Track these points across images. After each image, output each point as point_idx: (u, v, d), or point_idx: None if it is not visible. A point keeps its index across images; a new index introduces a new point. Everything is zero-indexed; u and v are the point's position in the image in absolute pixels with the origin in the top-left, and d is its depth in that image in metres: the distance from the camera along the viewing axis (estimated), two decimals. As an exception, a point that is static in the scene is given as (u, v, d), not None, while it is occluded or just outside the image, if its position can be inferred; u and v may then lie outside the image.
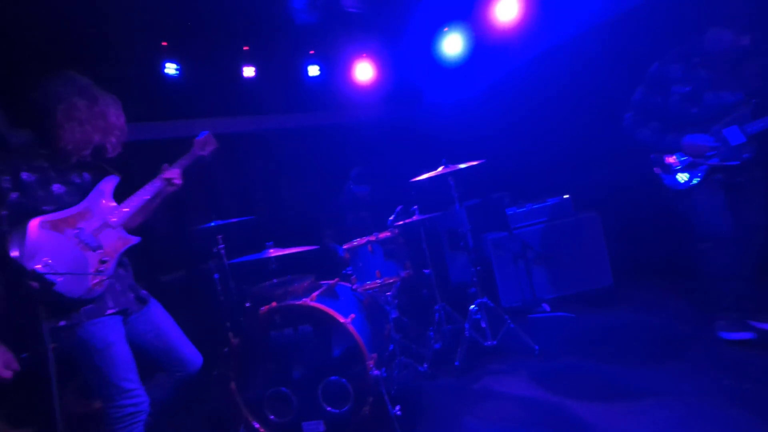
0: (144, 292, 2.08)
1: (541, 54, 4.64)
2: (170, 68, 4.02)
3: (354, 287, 3.00)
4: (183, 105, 4.36)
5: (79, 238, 1.78)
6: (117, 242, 1.90)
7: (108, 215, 1.90)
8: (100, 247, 1.83)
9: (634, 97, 2.71)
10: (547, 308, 3.84)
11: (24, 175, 1.76)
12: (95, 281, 1.76)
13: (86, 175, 1.96)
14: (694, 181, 2.49)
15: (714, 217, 2.46)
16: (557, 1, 4.07)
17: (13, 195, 1.73)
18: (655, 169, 2.69)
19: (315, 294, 2.65)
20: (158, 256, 4.12)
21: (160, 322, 2.07)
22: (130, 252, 2.01)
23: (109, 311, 1.83)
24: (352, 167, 4.14)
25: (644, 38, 3.51)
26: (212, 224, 3.26)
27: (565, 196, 4.07)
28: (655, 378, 2.41)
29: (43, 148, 1.84)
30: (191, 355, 2.14)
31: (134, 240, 1.96)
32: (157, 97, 4.20)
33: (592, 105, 4.22)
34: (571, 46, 4.33)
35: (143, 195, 2.01)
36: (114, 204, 1.95)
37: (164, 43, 3.94)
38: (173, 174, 2.09)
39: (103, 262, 1.81)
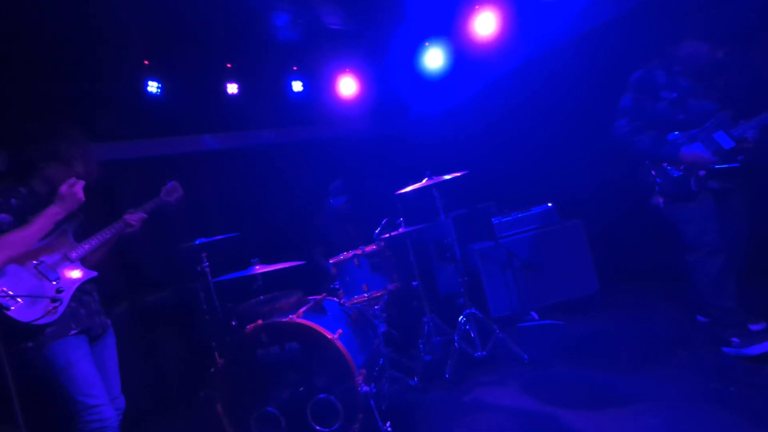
0: (108, 321, 2.25)
1: (519, 67, 4.76)
2: (152, 86, 3.99)
3: (341, 302, 2.97)
4: (166, 123, 4.34)
5: (38, 269, 1.98)
6: (75, 275, 2.09)
7: (68, 251, 2.10)
8: (57, 279, 2.01)
9: (623, 104, 2.66)
10: (536, 317, 3.86)
11: (12, 202, 1.98)
12: (49, 308, 1.91)
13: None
14: (691, 188, 2.47)
15: (705, 228, 2.46)
16: (533, 16, 4.18)
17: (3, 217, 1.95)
18: (652, 172, 2.64)
19: (302, 310, 2.62)
20: (142, 275, 4.04)
21: (107, 357, 2.21)
22: (111, 274, 2.14)
23: (73, 332, 1.98)
24: (332, 182, 4.15)
25: (617, 50, 3.63)
26: (196, 242, 3.21)
27: (548, 205, 4.12)
28: (643, 384, 2.42)
29: (21, 186, 2.06)
30: (117, 400, 2.21)
31: (91, 274, 2.15)
32: (140, 116, 4.18)
33: (572, 115, 4.32)
34: (548, 58, 4.44)
35: (104, 235, 2.21)
36: (74, 242, 2.17)
37: (146, 62, 3.92)
38: (134, 219, 2.30)
39: (59, 291, 1.99)
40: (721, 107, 2.45)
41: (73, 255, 2.10)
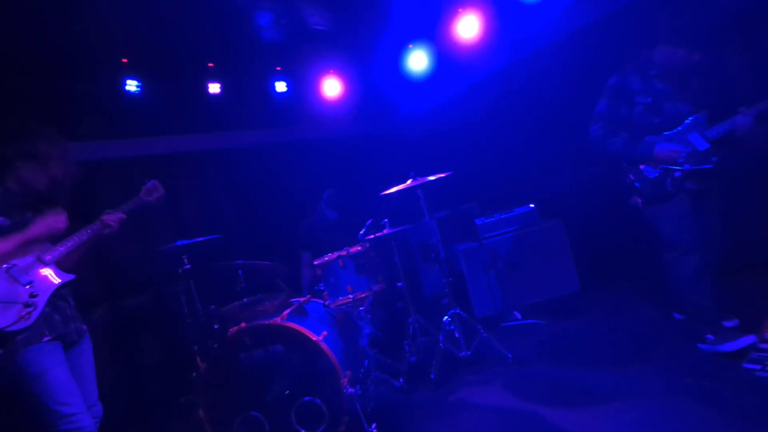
0: (83, 327, 2.17)
1: (502, 69, 4.82)
2: (131, 85, 3.91)
3: (326, 303, 2.96)
4: (146, 123, 4.24)
5: (9, 273, 1.90)
6: (49, 278, 2.00)
7: (42, 253, 2.02)
8: (30, 283, 1.93)
9: (599, 109, 2.71)
10: (519, 316, 3.91)
11: None
12: (22, 313, 1.84)
13: (29, 216, 2.05)
14: (667, 189, 2.53)
15: (681, 227, 2.52)
16: (515, 20, 4.26)
17: None
18: (630, 175, 2.69)
19: (286, 312, 2.60)
20: (120, 278, 3.94)
21: (83, 364, 2.12)
22: (88, 277, 2.08)
23: (46, 338, 1.91)
24: (324, 187, 4.09)
25: (596, 53, 3.73)
26: (177, 244, 3.15)
27: (531, 206, 4.19)
28: (622, 380, 2.48)
29: None
30: (95, 408, 2.14)
31: (68, 277, 2.05)
32: (118, 115, 4.08)
33: (553, 116, 4.40)
34: (529, 61, 4.52)
35: (80, 236, 2.11)
36: (49, 244, 2.07)
37: (125, 60, 3.83)
38: (113, 220, 2.20)
39: (33, 296, 1.91)
40: (696, 109, 2.52)
41: (48, 257, 2.01)
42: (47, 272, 2.01)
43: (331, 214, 4.01)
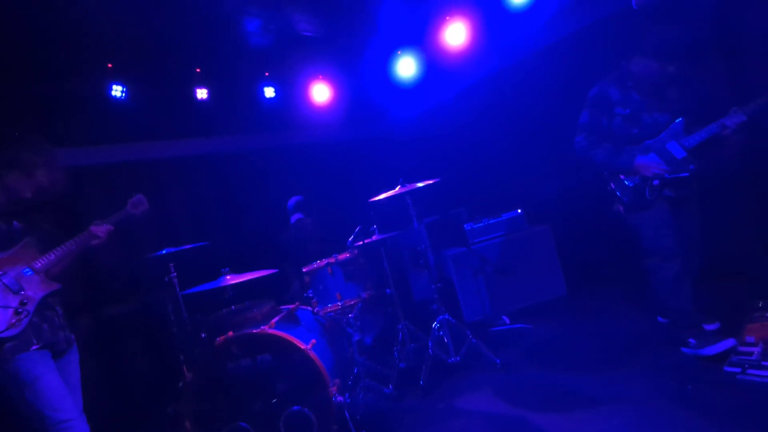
0: (72, 336, 2.18)
1: (489, 76, 4.89)
2: (117, 90, 3.86)
3: (315, 311, 2.95)
4: (132, 128, 4.19)
5: (1, 281, 1.94)
6: (39, 287, 2.04)
7: (32, 262, 2.05)
8: (21, 290, 1.97)
9: (581, 120, 2.77)
10: (507, 320, 3.94)
11: None
12: (12, 320, 1.88)
13: (16, 224, 2.09)
14: (646, 197, 2.59)
15: (660, 234, 2.57)
16: (501, 28, 4.32)
17: None
18: (611, 184, 2.75)
19: (274, 321, 2.58)
20: (105, 287, 3.87)
21: (70, 373, 2.13)
22: (72, 285, 2.13)
23: (34, 347, 1.93)
24: (310, 192, 4.09)
25: (580, 61, 3.80)
26: (163, 252, 3.11)
27: (518, 211, 4.23)
28: (608, 384, 2.51)
29: None
30: None
31: (56, 286, 2.09)
32: (103, 120, 4.02)
33: (539, 122, 4.47)
34: (516, 68, 4.58)
35: (69, 246, 2.14)
36: (37, 253, 2.10)
37: (109, 65, 3.79)
38: (101, 231, 2.22)
39: (23, 303, 1.94)
40: (674, 118, 2.58)
41: (38, 266, 2.04)
42: (37, 281, 2.04)
43: (293, 217, 3.96)
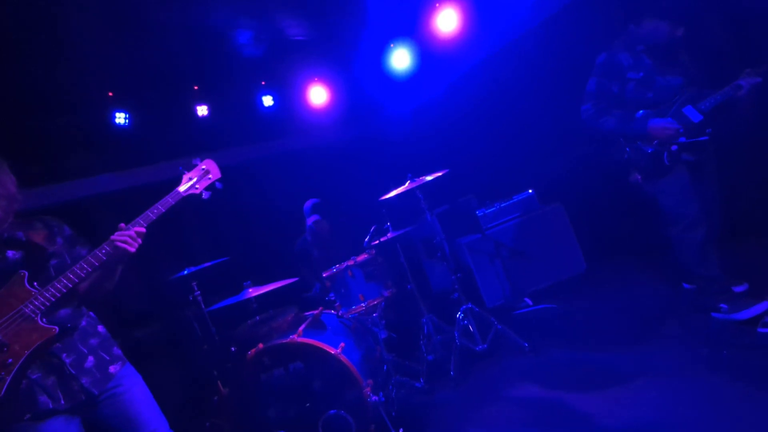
0: (112, 369, 1.80)
1: (486, 58, 4.82)
2: (120, 118, 3.91)
3: (339, 314, 2.97)
4: (136, 153, 4.25)
5: None
6: (29, 336, 1.58)
7: (23, 304, 1.60)
8: (5, 345, 1.55)
9: (588, 88, 2.70)
10: (530, 302, 3.93)
11: None
12: None
13: (10, 253, 1.68)
14: (664, 163, 2.54)
15: (683, 199, 2.53)
16: (494, 8, 4.25)
17: None
18: (627, 150, 2.67)
19: (301, 328, 2.61)
20: (130, 311, 3.94)
21: (127, 409, 1.80)
22: (101, 311, 1.88)
23: (27, 416, 1.57)
24: (319, 195, 4.07)
25: (579, 33, 3.71)
26: (185, 272, 3.16)
27: (529, 191, 4.20)
28: (639, 358, 2.50)
29: None
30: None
31: (52, 332, 1.61)
32: (109, 149, 4.08)
33: (541, 100, 4.41)
34: (513, 47, 4.51)
35: (81, 270, 1.66)
36: (31, 289, 1.63)
37: (110, 94, 3.83)
38: (128, 236, 1.78)
39: (4, 365, 1.53)
40: (688, 81, 2.53)
41: (30, 308, 1.60)
42: (28, 328, 1.59)
43: (309, 219, 3.88)
